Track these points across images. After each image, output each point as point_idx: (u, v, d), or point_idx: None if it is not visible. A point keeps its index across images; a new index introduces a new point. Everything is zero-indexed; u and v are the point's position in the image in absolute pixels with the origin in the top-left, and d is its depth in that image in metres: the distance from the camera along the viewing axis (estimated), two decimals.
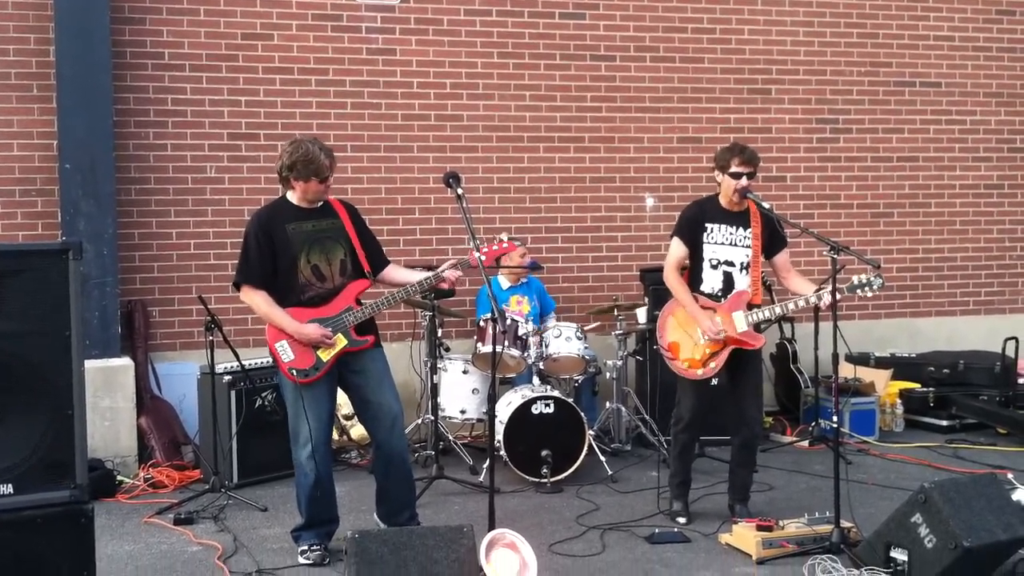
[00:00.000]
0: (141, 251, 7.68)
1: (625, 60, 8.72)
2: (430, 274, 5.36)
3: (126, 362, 7.30)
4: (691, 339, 5.79)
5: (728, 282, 5.82)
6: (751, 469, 6.05)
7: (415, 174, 8.26)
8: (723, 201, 5.87)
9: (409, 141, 8.26)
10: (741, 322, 5.73)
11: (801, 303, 5.74)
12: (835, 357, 5.54)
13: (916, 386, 8.62)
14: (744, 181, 5.74)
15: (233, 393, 6.82)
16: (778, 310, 5.86)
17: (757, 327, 5.83)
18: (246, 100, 7.88)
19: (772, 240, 5.89)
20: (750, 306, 5.79)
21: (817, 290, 5.63)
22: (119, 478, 6.82)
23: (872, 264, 5.50)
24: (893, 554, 4.82)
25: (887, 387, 8.45)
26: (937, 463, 7.29)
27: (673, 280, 5.85)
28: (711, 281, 5.84)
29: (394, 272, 5.54)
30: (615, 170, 8.75)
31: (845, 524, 5.32)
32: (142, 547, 5.64)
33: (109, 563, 5.28)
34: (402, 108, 8.23)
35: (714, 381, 5.85)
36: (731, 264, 5.82)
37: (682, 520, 5.92)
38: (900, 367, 8.76)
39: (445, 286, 5.41)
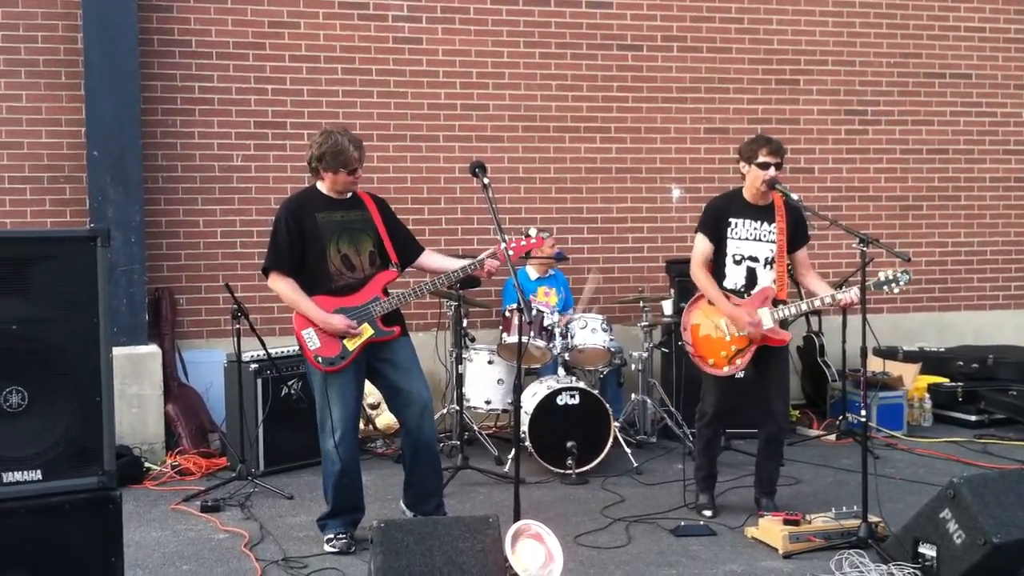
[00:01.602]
0: (168, 239, 7.71)
1: (652, 49, 8.67)
2: (470, 261, 5.35)
3: (153, 349, 7.33)
4: (717, 335, 5.75)
5: (751, 278, 5.77)
6: (778, 463, 6.01)
7: (440, 163, 8.24)
8: (748, 194, 5.81)
9: (435, 130, 8.24)
10: (767, 319, 5.68)
11: (823, 301, 5.69)
12: (863, 350, 5.50)
13: (945, 380, 8.55)
14: (771, 172, 5.68)
15: (260, 381, 6.84)
16: (804, 306, 5.83)
17: (783, 323, 5.79)
18: (273, 88, 7.88)
19: (795, 235, 5.83)
20: (775, 302, 5.74)
21: (842, 284, 5.58)
22: (146, 465, 6.87)
23: (902, 257, 5.44)
24: (921, 549, 4.78)
25: (915, 381, 8.38)
26: (966, 458, 7.22)
27: (702, 278, 5.79)
28: (734, 277, 5.78)
29: (430, 259, 5.55)
30: (641, 160, 8.70)
31: (873, 519, 5.28)
32: (169, 534, 5.67)
33: (137, 549, 5.31)
34: (428, 97, 8.22)
35: (739, 374, 5.80)
36: (755, 260, 5.76)
37: (708, 513, 5.89)
38: (929, 361, 8.68)
39: (484, 275, 5.40)
